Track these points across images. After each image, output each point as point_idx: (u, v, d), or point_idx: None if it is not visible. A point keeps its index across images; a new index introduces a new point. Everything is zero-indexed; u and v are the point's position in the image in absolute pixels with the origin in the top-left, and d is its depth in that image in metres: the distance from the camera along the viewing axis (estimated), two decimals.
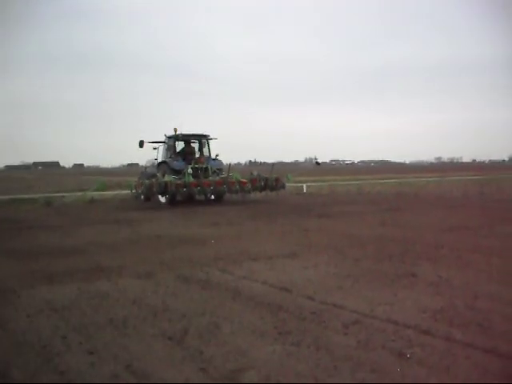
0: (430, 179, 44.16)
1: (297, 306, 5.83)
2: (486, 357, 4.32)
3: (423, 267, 7.88)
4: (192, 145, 22.81)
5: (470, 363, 4.18)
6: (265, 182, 21.27)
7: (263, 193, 22.45)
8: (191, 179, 19.60)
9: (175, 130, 21.66)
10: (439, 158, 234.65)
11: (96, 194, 24.45)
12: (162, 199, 20.62)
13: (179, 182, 19.20)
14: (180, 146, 22.44)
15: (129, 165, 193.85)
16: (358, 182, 37.43)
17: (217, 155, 22.57)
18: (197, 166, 21.22)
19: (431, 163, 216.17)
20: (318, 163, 23.02)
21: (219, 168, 21.87)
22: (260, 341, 4.76)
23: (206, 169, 21.33)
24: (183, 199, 21.29)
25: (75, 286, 6.91)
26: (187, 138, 22.49)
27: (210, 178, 20.51)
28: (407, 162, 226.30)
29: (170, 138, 22.17)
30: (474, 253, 9.00)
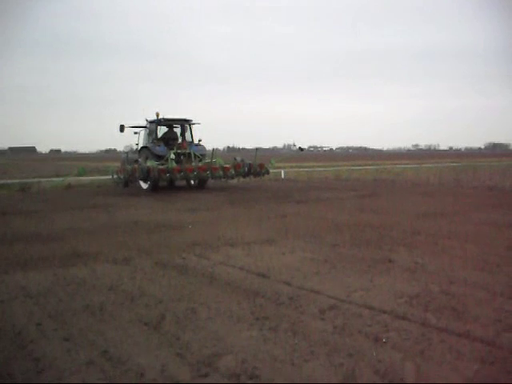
0: (407, 166, 44.54)
1: (274, 292, 5.84)
2: (460, 341, 4.37)
3: (399, 253, 7.94)
4: (174, 130, 22.38)
5: (444, 347, 4.23)
6: (248, 167, 20.95)
7: (246, 178, 22.35)
8: (174, 165, 19.26)
9: (157, 114, 21.27)
10: (416, 146, 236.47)
11: (73, 180, 24.17)
12: (144, 185, 20.33)
13: (162, 167, 18.84)
14: (162, 130, 21.96)
15: (106, 150, 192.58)
16: (335, 169, 37.59)
17: (199, 140, 22.19)
18: (179, 151, 20.94)
19: (408, 150, 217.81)
20: (301, 149, 22.90)
21: (202, 154, 21.53)
22: (237, 326, 4.77)
23: (189, 154, 20.95)
24: (164, 185, 21.11)
25: (51, 272, 6.84)
26: (169, 123, 22.04)
27: (193, 163, 20.11)
28: (385, 148, 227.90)
29: (151, 122, 21.74)
30: (449, 239, 9.10)
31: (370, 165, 50.33)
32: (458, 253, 7.97)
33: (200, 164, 20.21)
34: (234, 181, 22.11)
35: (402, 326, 4.74)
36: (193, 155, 20.85)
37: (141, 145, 22.05)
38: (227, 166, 20.53)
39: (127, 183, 19.94)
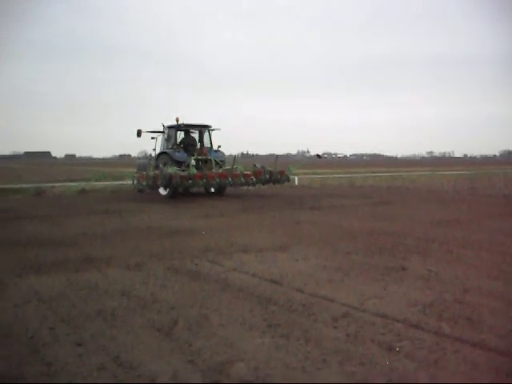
0: (421, 173, 44.32)
1: (287, 299, 5.82)
2: (475, 351, 4.32)
3: (413, 261, 7.89)
4: (192, 135, 22.04)
5: (458, 357, 4.18)
6: (269, 174, 20.40)
7: (265, 185, 21.84)
8: (195, 171, 18.87)
9: (177, 119, 20.76)
10: (431, 153, 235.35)
11: (87, 185, 24.31)
12: (163, 192, 19.76)
13: (183, 174, 18.36)
14: (180, 136, 21.60)
15: (121, 156, 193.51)
16: (349, 176, 37.50)
17: (219, 146, 21.67)
18: (200, 157, 20.47)
19: (423, 157, 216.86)
20: (319, 156, 22.75)
21: (222, 160, 21.20)
22: (249, 333, 4.75)
23: (209, 160, 20.51)
24: (180, 191, 20.78)
25: (64, 277, 6.86)
26: (189, 128, 21.66)
27: (214, 170, 19.73)
28: (399, 155, 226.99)
29: (170, 127, 21.29)
30: (463, 247, 9.02)
31: (384, 172, 50.15)
32: (472, 261, 7.90)
33: (221, 170, 19.83)
34: (245, 187, 21.83)
35: (416, 334, 4.69)
36: (213, 162, 20.51)
37: (158, 150, 21.66)
38: (248, 172, 20.08)
39: (152, 189, 19.46)
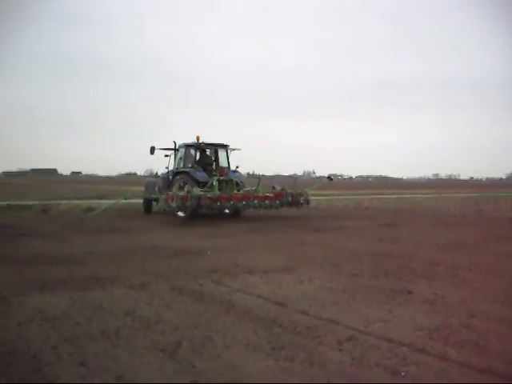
0: (427, 196, 44.26)
1: (291, 321, 5.78)
2: (482, 377, 4.27)
3: (419, 284, 7.84)
4: (208, 154, 21.37)
5: (465, 383, 4.13)
6: (291, 196, 19.72)
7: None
8: (218, 193, 18.13)
9: (198, 137, 20.10)
10: (437, 175, 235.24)
11: (93, 203, 24.36)
12: (180, 213, 18.41)
13: (210, 195, 17.54)
14: (197, 155, 20.72)
15: (126, 174, 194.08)
16: (355, 197, 37.47)
17: (237, 167, 21.02)
18: (221, 177, 19.59)
19: (429, 179, 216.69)
20: (330, 178, 22.31)
21: (241, 181, 20.62)
22: (253, 355, 4.71)
23: (230, 181, 19.78)
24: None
25: (68, 296, 6.84)
26: (209, 147, 20.98)
27: (235, 191, 19.04)
28: (405, 177, 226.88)
29: (189, 146, 20.57)
30: (469, 271, 8.97)
31: (389, 194, 50.10)
32: (478, 285, 7.84)
33: (242, 192, 19.15)
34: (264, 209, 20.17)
35: (422, 359, 4.64)
36: (234, 182, 19.88)
37: (171, 169, 21.03)
38: (270, 195, 19.40)
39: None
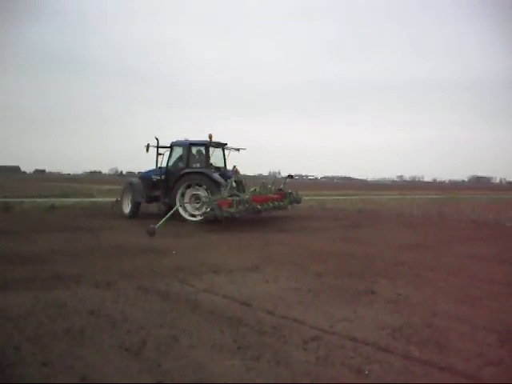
0: (391, 197, 44.81)
1: (257, 321, 5.81)
2: (443, 374, 4.38)
3: (382, 284, 7.96)
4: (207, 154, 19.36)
5: (427, 381, 4.23)
6: (290, 196, 19.36)
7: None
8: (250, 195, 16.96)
9: (210, 136, 18.42)
10: (401, 177, 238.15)
11: (57, 201, 24.02)
12: (186, 215, 17.60)
13: (238, 199, 16.21)
14: (201, 154, 19.19)
15: (91, 172, 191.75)
16: (320, 198, 37.72)
17: (234, 166, 18.99)
18: (235, 179, 18.11)
19: (393, 181, 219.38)
20: (290, 176, 22.39)
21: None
22: (219, 355, 4.73)
23: (240, 182, 18.65)
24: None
25: (31, 295, 6.74)
26: (217, 147, 19.43)
27: (246, 192, 17.94)
28: (369, 179, 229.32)
29: (197, 144, 19.07)
30: (432, 271, 9.14)
31: (354, 195, 50.55)
32: (440, 285, 8.01)
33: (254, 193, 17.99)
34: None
35: (385, 358, 4.73)
36: (244, 184, 18.95)
37: (169, 167, 19.27)
38: (275, 196, 18.69)
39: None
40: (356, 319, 5.99)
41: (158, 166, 19.60)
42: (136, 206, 19.10)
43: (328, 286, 7.71)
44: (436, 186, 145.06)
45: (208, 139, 18.56)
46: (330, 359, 4.66)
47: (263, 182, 19.22)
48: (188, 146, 18.96)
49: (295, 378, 4.21)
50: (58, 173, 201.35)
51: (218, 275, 8.39)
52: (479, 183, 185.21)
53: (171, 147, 19.66)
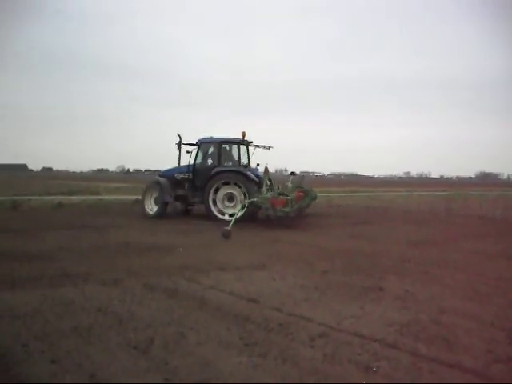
0: (398, 193, 44.72)
1: (264, 318, 5.81)
2: (451, 371, 4.36)
3: (390, 281, 7.94)
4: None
5: (434, 378, 4.21)
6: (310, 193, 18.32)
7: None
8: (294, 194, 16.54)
9: (244, 134, 17.88)
10: (408, 173, 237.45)
11: (64, 199, 24.08)
12: (219, 214, 17.32)
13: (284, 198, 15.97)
14: (232, 152, 18.80)
15: (98, 170, 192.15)
16: (328, 195, 37.67)
17: (258, 165, 18.91)
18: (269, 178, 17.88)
19: (400, 178, 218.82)
20: (293, 173, 22.27)
21: None
22: (226, 352, 4.73)
23: (271, 181, 18.20)
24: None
25: (39, 293, 6.76)
26: (247, 145, 18.79)
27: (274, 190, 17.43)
28: (376, 175, 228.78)
29: (229, 142, 18.59)
30: (439, 267, 9.12)
31: (361, 191, 50.48)
32: (447, 282, 7.98)
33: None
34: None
35: (393, 355, 4.71)
36: (273, 183, 18.34)
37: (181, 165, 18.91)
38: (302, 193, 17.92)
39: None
40: (363, 316, 5.98)
41: (182, 164, 19.05)
42: (164, 205, 18.25)
43: (335, 283, 7.70)
44: (443, 182, 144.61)
45: (241, 137, 18.09)
46: (338, 356, 4.65)
47: (292, 181, 18.43)
48: (219, 143, 18.43)
49: (302, 376, 4.20)
50: (66, 171, 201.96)
51: (224, 272, 8.39)
52: (487, 179, 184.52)
53: (199, 145, 18.83)
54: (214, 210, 17.42)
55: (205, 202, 17.50)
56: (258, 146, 19.06)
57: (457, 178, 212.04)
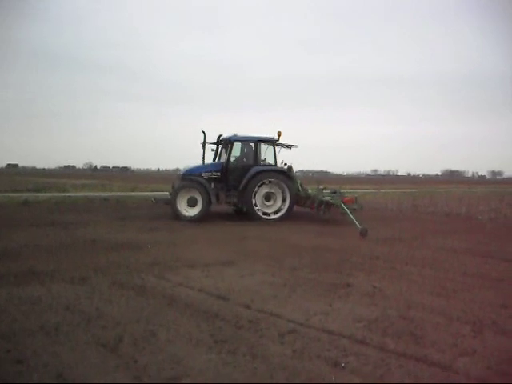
0: (366, 191, 45.10)
1: (233, 315, 5.81)
2: (418, 365, 4.43)
3: (358, 277, 8.02)
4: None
5: (402, 372, 4.28)
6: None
7: None
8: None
9: (279, 133, 17.69)
10: (375, 171, 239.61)
11: (31, 196, 23.69)
12: (260, 213, 17.02)
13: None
14: (267, 151, 18.13)
15: (65, 166, 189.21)
16: None
17: (285, 164, 18.29)
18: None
19: (368, 175, 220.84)
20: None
21: None
22: (196, 349, 4.72)
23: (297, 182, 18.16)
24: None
25: (5, 291, 6.64)
26: (278, 145, 18.27)
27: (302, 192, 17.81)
28: (344, 173, 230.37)
29: (262, 141, 17.94)
30: (407, 264, 9.24)
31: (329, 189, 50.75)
32: (415, 278, 8.10)
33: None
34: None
35: (361, 350, 4.77)
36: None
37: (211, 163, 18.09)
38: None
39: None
40: (332, 312, 6.03)
41: (208, 162, 18.24)
42: (208, 207, 16.92)
43: (304, 280, 7.75)
44: (410, 179, 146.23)
45: (277, 136, 17.81)
46: (307, 352, 4.69)
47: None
48: (256, 142, 17.83)
49: (272, 372, 4.22)
50: (32, 167, 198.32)
51: (193, 269, 8.37)
52: (452, 177, 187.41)
53: (231, 143, 17.78)
54: (257, 210, 17.01)
55: (247, 202, 17.00)
56: (283, 146, 18.62)
57: (423, 175, 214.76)
